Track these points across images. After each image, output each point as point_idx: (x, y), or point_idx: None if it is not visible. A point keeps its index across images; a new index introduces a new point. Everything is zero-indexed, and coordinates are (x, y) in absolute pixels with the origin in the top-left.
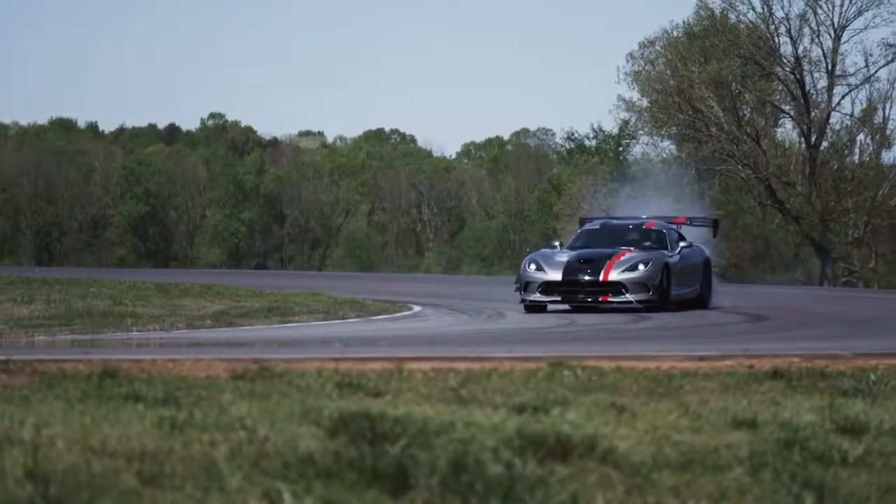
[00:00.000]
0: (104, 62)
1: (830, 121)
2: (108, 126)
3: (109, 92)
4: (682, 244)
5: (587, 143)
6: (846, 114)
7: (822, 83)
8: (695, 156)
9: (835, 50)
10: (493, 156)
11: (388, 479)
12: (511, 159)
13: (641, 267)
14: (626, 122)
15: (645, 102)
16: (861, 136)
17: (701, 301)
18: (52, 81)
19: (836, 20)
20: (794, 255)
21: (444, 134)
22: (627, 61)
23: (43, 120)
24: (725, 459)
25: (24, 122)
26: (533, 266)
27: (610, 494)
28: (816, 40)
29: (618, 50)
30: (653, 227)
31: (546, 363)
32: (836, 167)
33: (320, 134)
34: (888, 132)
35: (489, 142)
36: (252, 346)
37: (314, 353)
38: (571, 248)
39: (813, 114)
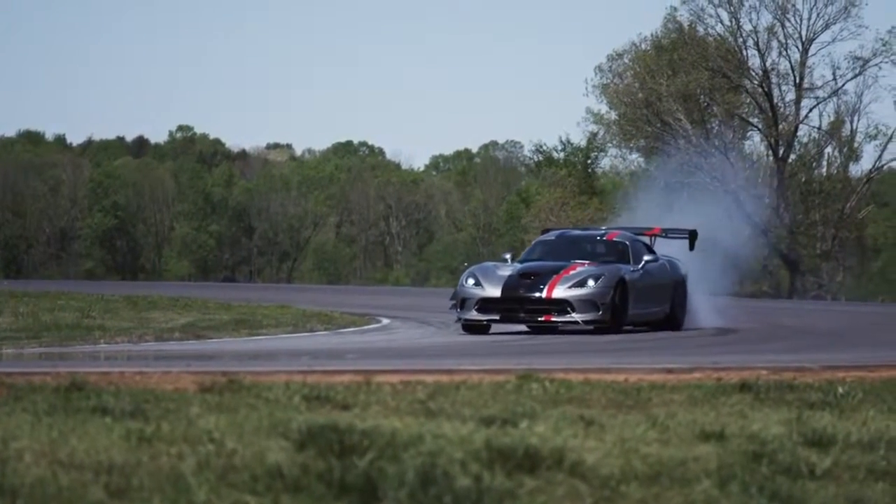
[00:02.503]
0: (72, 75)
1: (798, 133)
2: (76, 139)
3: (77, 104)
4: (647, 258)
5: (556, 155)
6: (814, 126)
7: (790, 96)
8: (663, 168)
9: (802, 63)
10: (461, 168)
11: (357, 492)
12: (479, 172)
13: (591, 282)
14: (594, 135)
15: (613, 115)
16: (829, 149)
17: (672, 322)
18: (19, 94)
19: (803, 33)
20: (763, 268)
21: (413, 146)
22: (596, 74)
23: (11, 132)
24: (693, 472)
25: None
26: (471, 281)
27: None
28: (784, 53)
29: (586, 62)
30: (614, 239)
31: (514, 376)
32: (803, 180)
33: (289, 146)
34: (855, 145)
35: (458, 154)
36: (220, 358)
37: (282, 365)
38: (522, 261)
39: (781, 126)
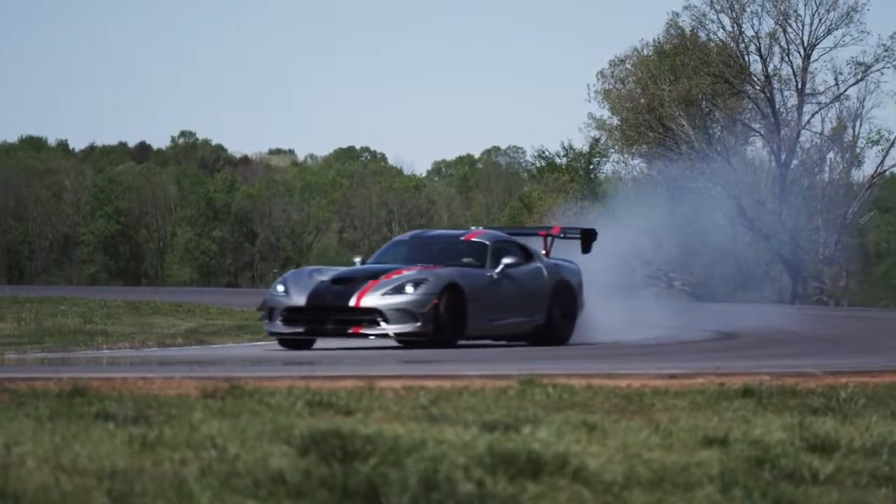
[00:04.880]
0: (74, 80)
1: (800, 139)
2: (78, 144)
3: (79, 110)
4: (508, 261)
5: (558, 160)
6: (816, 132)
7: (792, 101)
8: (665, 174)
9: (804, 68)
10: (463, 174)
11: (359, 498)
12: (482, 177)
13: (409, 289)
14: (596, 141)
15: (615, 120)
16: (831, 155)
17: (551, 335)
18: (21, 100)
19: (805, 39)
20: (765, 274)
21: (415, 152)
22: (598, 79)
23: (13, 138)
24: (696, 477)
25: None
26: (280, 287)
27: None
28: (786, 59)
29: (588, 68)
30: (473, 240)
31: (517, 381)
32: (806, 185)
33: (291, 152)
34: (858, 150)
35: (460, 160)
36: (223, 364)
37: (285, 371)
38: (363, 264)
39: (783, 132)
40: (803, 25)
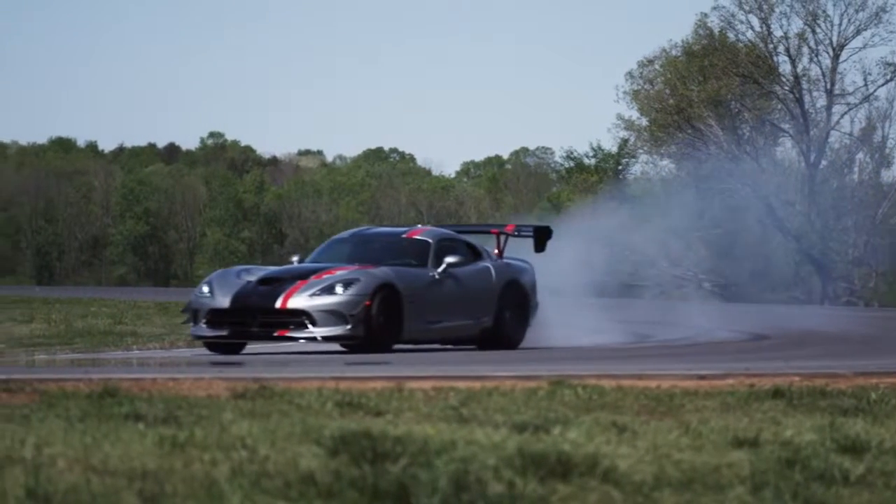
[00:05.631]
0: (104, 81)
1: (829, 139)
2: (107, 145)
3: (109, 111)
4: (451, 260)
5: (586, 161)
6: (845, 132)
7: (821, 102)
8: (694, 174)
9: (833, 69)
10: (492, 174)
11: (390, 499)
12: (510, 178)
13: (339, 289)
14: (625, 141)
15: (644, 121)
16: (860, 155)
17: (500, 338)
18: (51, 101)
19: (834, 39)
20: (794, 274)
21: (444, 153)
22: (626, 80)
23: (42, 139)
24: (727, 478)
25: (23, 141)
26: (205, 288)
27: None
28: (815, 59)
29: (617, 69)
30: (416, 237)
31: (547, 382)
32: (835, 186)
33: (320, 153)
34: (887, 151)
35: (489, 160)
36: (252, 365)
37: (314, 371)
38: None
39: (812, 132)
40: (832, 26)
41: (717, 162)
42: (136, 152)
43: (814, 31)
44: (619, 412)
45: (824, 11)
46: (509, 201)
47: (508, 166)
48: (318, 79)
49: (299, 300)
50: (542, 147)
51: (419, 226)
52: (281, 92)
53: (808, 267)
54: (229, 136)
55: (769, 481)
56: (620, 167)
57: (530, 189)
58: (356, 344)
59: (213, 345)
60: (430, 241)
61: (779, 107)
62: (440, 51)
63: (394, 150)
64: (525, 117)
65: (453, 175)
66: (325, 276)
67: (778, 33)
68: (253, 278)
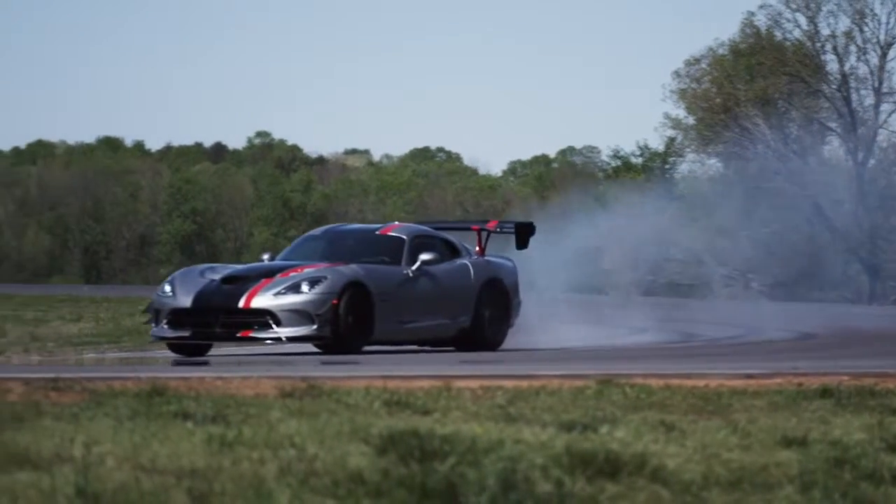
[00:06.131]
0: (151, 81)
1: (878, 138)
2: (154, 145)
3: (156, 111)
4: (426, 257)
5: (633, 160)
6: (893, 131)
7: (869, 100)
8: (741, 173)
9: (881, 67)
10: (538, 173)
11: (438, 498)
12: (557, 177)
13: (305, 288)
14: (672, 140)
15: (691, 120)
16: None
17: (479, 339)
18: (99, 101)
19: (882, 37)
20: (842, 273)
21: (490, 152)
22: (673, 79)
23: (90, 139)
24: (775, 478)
25: (71, 141)
26: (167, 288)
27: None
28: (863, 57)
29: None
30: (390, 234)
31: (594, 381)
32: (883, 184)
33: (366, 152)
34: None
35: (535, 159)
36: (300, 364)
37: (362, 371)
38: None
39: (860, 131)
40: (880, 24)
41: (765, 161)
42: (183, 151)
43: (861, 30)
44: (667, 411)
45: (871, 10)
46: (556, 200)
47: (555, 165)
48: (364, 78)
49: (263, 299)
50: (589, 146)
51: (397, 222)
52: (328, 91)
53: (856, 266)
54: (276, 136)
55: (818, 481)
56: (667, 166)
57: (577, 188)
58: (324, 345)
59: (176, 346)
60: (405, 237)
61: (826, 105)
62: (487, 50)
63: (440, 150)
64: (572, 116)
65: (500, 174)
66: (291, 275)
67: (825, 32)
68: (217, 277)
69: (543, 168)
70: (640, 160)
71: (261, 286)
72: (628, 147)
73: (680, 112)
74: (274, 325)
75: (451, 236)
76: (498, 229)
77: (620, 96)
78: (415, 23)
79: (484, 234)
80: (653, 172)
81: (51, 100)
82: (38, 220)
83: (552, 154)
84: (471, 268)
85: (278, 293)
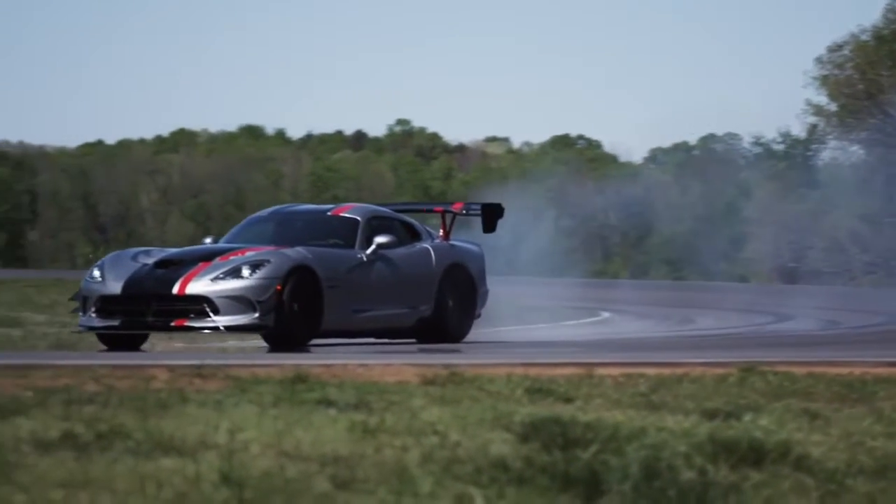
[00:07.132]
0: (293, 69)
1: None
2: (295, 132)
3: (297, 99)
4: (382, 240)
5: (775, 147)
6: None
7: None
8: (885, 160)
9: None
10: (679, 161)
11: (581, 485)
12: (698, 164)
13: (245, 272)
14: (814, 127)
15: (833, 107)
16: None
17: (441, 329)
18: (241, 89)
19: None
20: None
21: (631, 139)
22: (815, 65)
23: (232, 127)
24: None
25: (213, 129)
26: (96, 273)
27: (804, 501)
28: None
29: (804, 54)
30: (342, 215)
31: (737, 368)
32: None
33: (506, 139)
34: None
35: (676, 147)
36: (441, 352)
37: (503, 358)
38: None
39: None
40: None
41: None
42: (324, 139)
43: None
44: (810, 399)
45: None
46: (697, 187)
47: (696, 152)
48: (504, 65)
49: (199, 285)
50: (730, 133)
51: (349, 203)
52: (468, 79)
53: None
54: (416, 124)
55: None
56: (809, 153)
57: (718, 175)
58: (266, 335)
59: (107, 337)
60: (359, 218)
61: None
62: (626, 38)
63: (580, 137)
64: (713, 103)
65: (640, 161)
66: (231, 258)
67: None
68: (150, 260)
69: (684, 155)
70: (781, 147)
71: (197, 270)
72: (770, 134)
73: (822, 99)
74: (211, 314)
75: (412, 219)
76: (464, 211)
77: (762, 83)
78: (555, 11)
79: (448, 216)
80: (794, 159)
81: (193, 88)
82: (181, 208)
83: (693, 141)
84: (432, 252)
85: (216, 278)
